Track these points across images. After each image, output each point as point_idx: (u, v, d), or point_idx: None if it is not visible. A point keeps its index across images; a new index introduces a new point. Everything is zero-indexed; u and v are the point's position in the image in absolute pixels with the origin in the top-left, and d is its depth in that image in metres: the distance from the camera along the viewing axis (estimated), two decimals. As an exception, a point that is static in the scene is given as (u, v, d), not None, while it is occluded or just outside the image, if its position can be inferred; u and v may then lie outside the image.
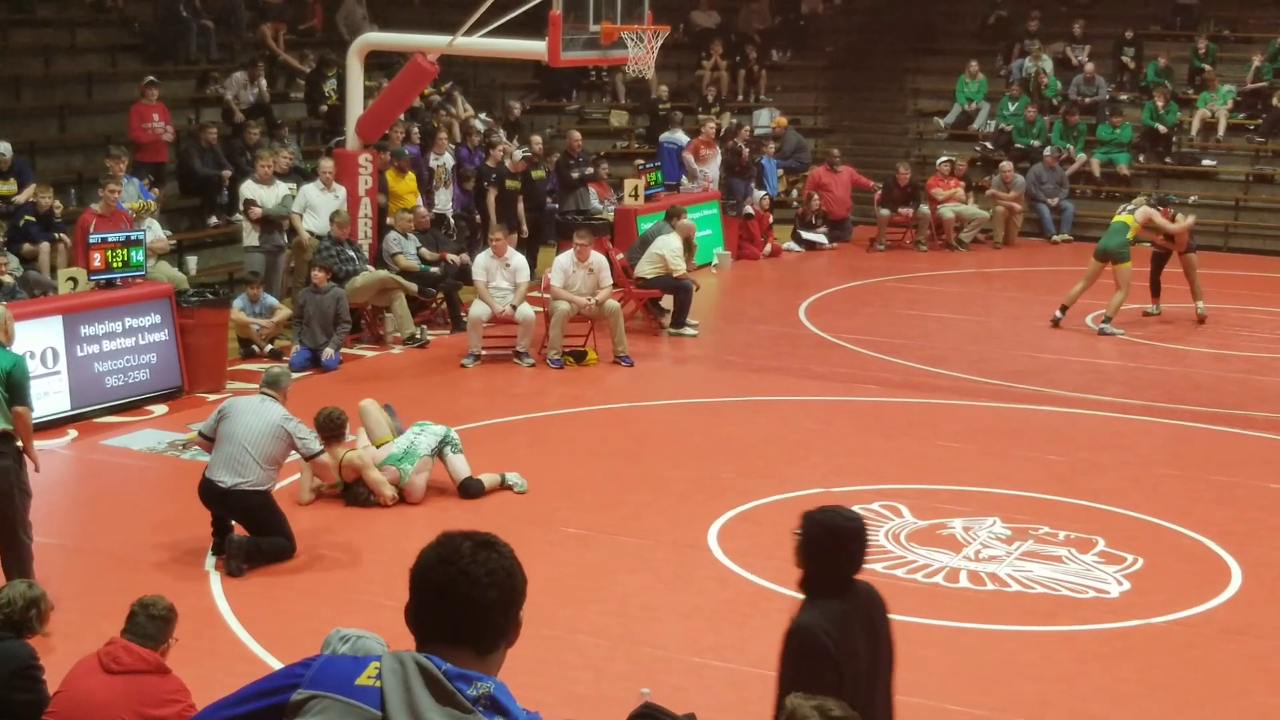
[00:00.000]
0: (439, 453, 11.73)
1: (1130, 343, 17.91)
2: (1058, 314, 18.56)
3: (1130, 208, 18.62)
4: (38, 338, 13.32)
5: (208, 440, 10.40)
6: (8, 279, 14.43)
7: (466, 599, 3.22)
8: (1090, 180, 25.99)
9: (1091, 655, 9.26)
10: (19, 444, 9.32)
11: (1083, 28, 27.75)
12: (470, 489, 11.68)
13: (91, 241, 14.39)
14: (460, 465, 11.77)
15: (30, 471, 9.46)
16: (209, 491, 10.24)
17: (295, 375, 15.21)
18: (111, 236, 14.50)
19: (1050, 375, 16.13)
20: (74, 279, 14.28)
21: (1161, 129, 25.66)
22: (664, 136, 24.90)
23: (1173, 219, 18.57)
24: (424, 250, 17.94)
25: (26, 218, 16.14)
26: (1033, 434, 14.00)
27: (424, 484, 11.63)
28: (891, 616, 5.72)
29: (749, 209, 23.25)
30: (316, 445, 10.53)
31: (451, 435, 11.90)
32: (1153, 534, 11.30)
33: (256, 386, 10.97)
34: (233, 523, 10.40)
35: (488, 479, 11.85)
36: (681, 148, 24.05)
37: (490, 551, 3.26)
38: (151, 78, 19.67)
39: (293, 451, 10.41)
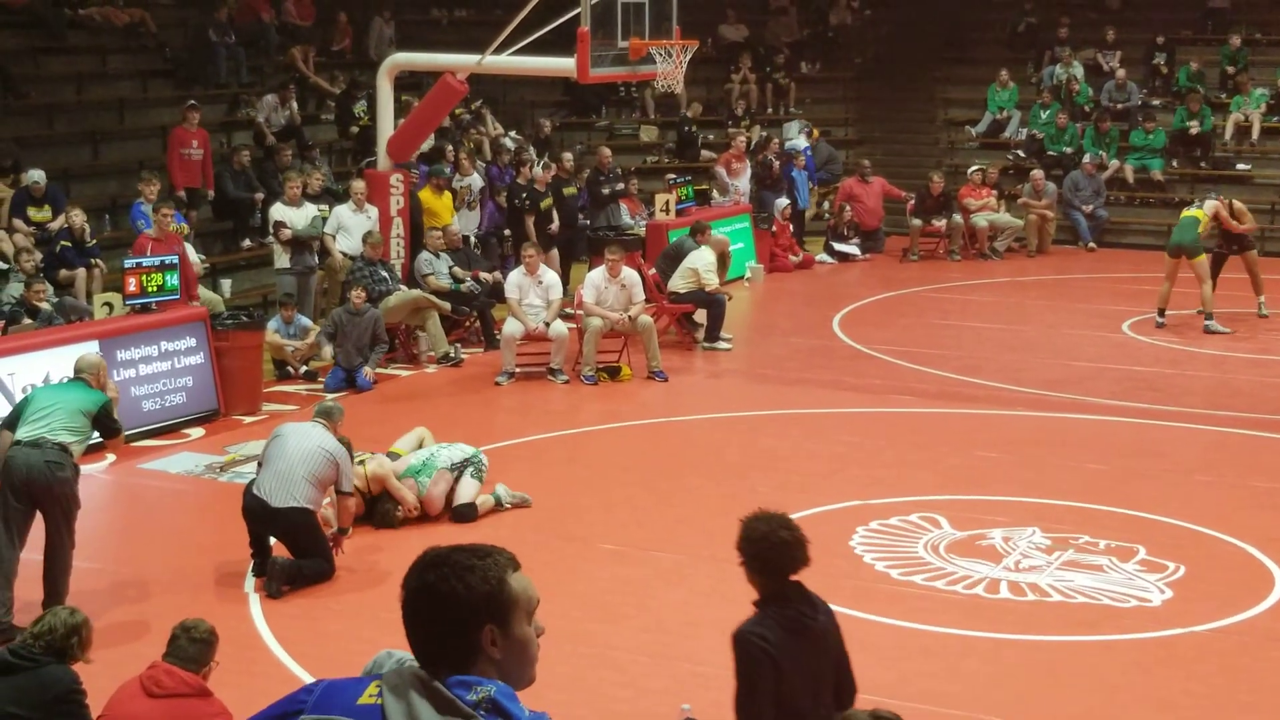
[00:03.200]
0: (460, 470, 11.67)
1: (1167, 349, 17.81)
2: (1159, 319, 18.72)
3: (1198, 203, 18.83)
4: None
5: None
6: (44, 305, 14.52)
7: (413, 619, 3.26)
8: (1124, 187, 25.87)
9: (1134, 665, 9.20)
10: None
11: (1113, 34, 27.64)
12: (462, 515, 11.56)
13: (126, 266, 14.47)
14: (468, 489, 11.64)
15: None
16: (256, 509, 10.26)
17: (330, 396, 15.30)
18: (146, 261, 14.58)
19: (1087, 383, 16.04)
20: (109, 304, 14.35)
21: (1194, 129, 25.46)
22: (788, 144, 25.31)
23: (1231, 212, 18.74)
24: (456, 269, 17.95)
25: (62, 243, 16.26)
26: (1071, 443, 13.92)
27: (441, 496, 11.56)
28: None
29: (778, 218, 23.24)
30: (349, 487, 10.56)
31: (479, 458, 11.82)
32: (1194, 542, 11.22)
33: (294, 408, 11.02)
34: (272, 543, 10.43)
35: (481, 501, 11.76)
36: (800, 151, 24.73)
37: (431, 572, 3.24)
38: (193, 101, 19.77)
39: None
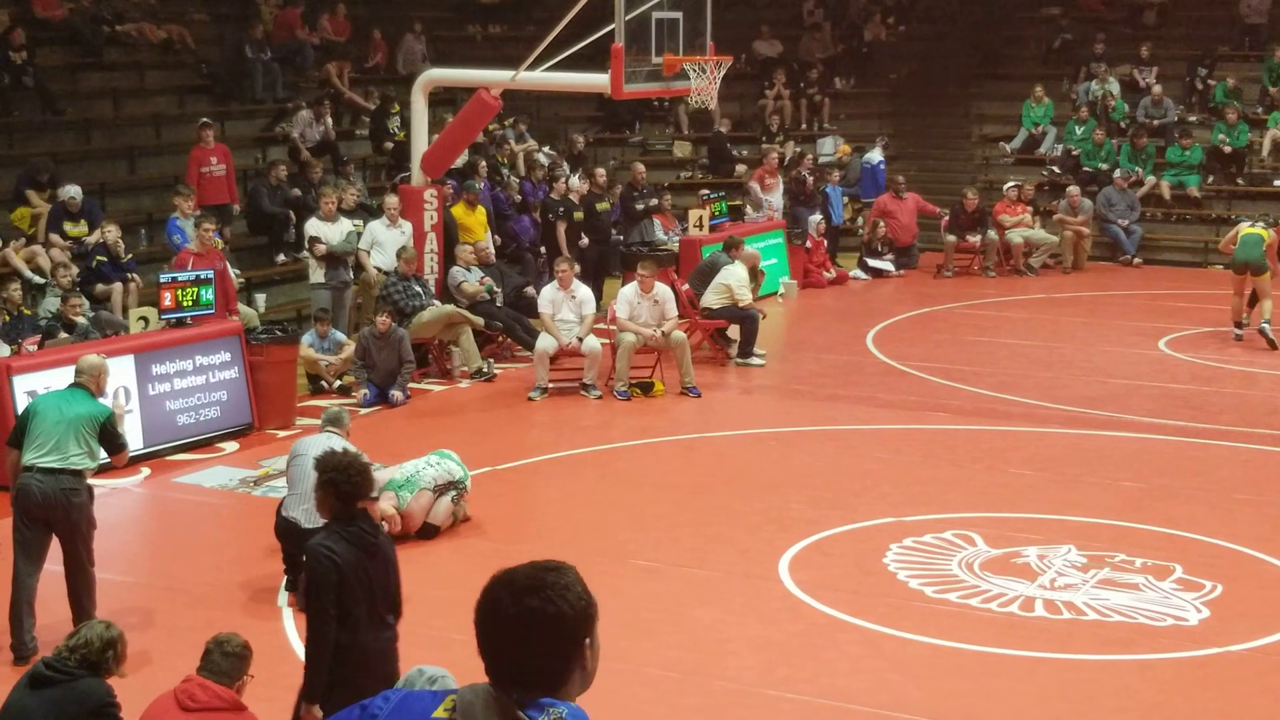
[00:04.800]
0: (441, 493, 11.57)
1: (1204, 366, 17.71)
2: (1237, 331, 18.75)
3: (1262, 223, 18.85)
4: (111, 377, 13.38)
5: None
6: (81, 320, 14.60)
7: (518, 644, 3.24)
8: (1160, 203, 25.74)
9: (1171, 684, 9.12)
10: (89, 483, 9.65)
11: (1149, 50, 27.55)
12: (425, 532, 11.53)
13: (161, 281, 14.54)
14: (440, 511, 11.58)
15: (99, 505, 9.75)
16: (287, 531, 10.30)
17: (364, 411, 15.34)
18: (181, 276, 14.65)
19: (1123, 401, 15.95)
20: (145, 318, 14.42)
21: (1226, 148, 25.37)
22: (865, 157, 25.82)
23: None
24: (486, 279, 17.93)
25: (99, 258, 16.36)
26: (1106, 460, 13.84)
27: (423, 511, 11.46)
28: None
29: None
30: (374, 491, 10.54)
31: (464, 483, 11.74)
32: (1231, 560, 11.13)
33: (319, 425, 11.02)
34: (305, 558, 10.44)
35: (443, 520, 11.67)
36: (875, 165, 25.45)
37: (534, 597, 3.24)
38: (205, 119, 19.86)
39: None
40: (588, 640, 3.28)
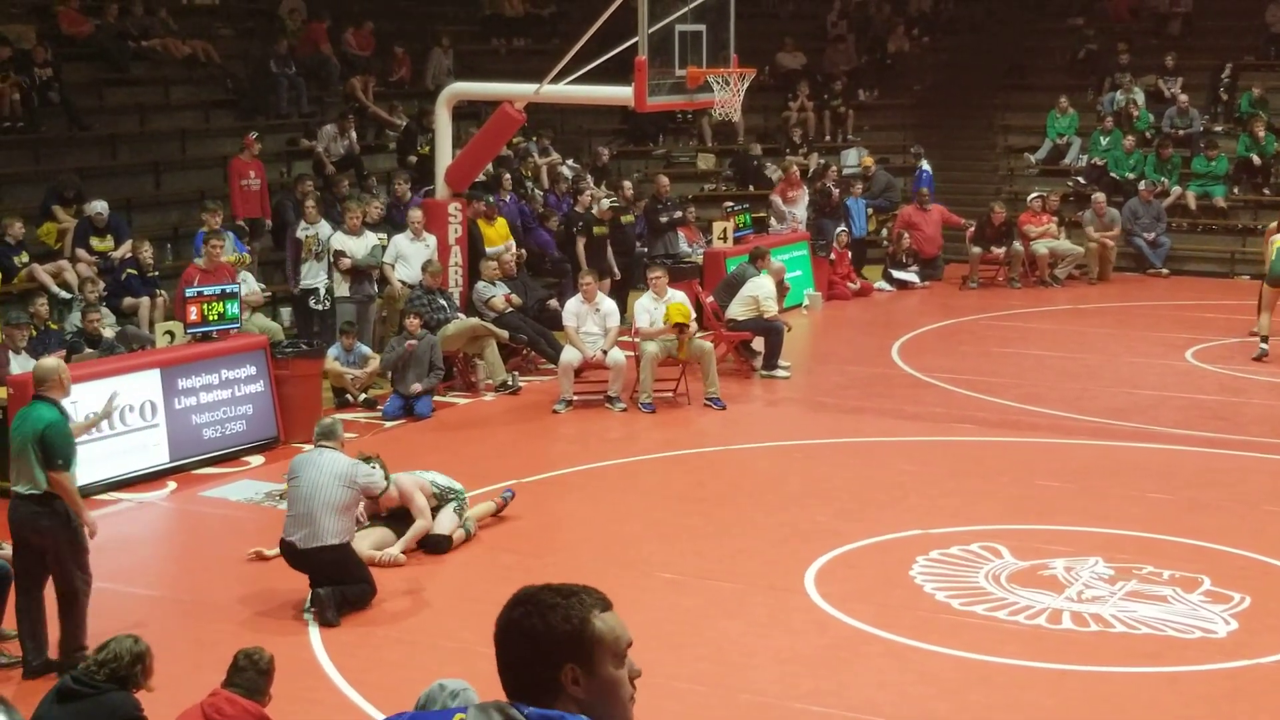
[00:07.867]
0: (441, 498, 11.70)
1: (1231, 377, 17.61)
2: (1263, 346, 18.29)
3: None
4: (136, 391, 13.47)
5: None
6: (106, 333, 14.65)
7: (500, 659, 3.25)
8: (1186, 213, 25.64)
9: (1199, 697, 9.07)
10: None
11: (1174, 60, 27.45)
12: (432, 546, 11.51)
13: (188, 295, 14.58)
14: (447, 521, 11.61)
15: (125, 520, 9.65)
16: (290, 554, 10.38)
17: (389, 424, 15.36)
18: (207, 290, 14.69)
19: (1150, 412, 15.88)
20: (171, 332, 14.46)
21: (1257, 160, 25.30)
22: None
23: None
24: (513, 297, 17.96)
25: (129, 271, 16.43)
26: (1133, 472, 13.78)
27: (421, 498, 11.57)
28: None
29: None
30: (382, 483, 10.66)
31: (463, 498, 11.85)
32: (1260, 572, 11.06)
33: (353, 436, 11.05)
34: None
35: (457, 535, 11.67)
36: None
37: (519, 609, 3.22)
38: (255, 133, 19.94)
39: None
40: (571, 666, 3.17)
